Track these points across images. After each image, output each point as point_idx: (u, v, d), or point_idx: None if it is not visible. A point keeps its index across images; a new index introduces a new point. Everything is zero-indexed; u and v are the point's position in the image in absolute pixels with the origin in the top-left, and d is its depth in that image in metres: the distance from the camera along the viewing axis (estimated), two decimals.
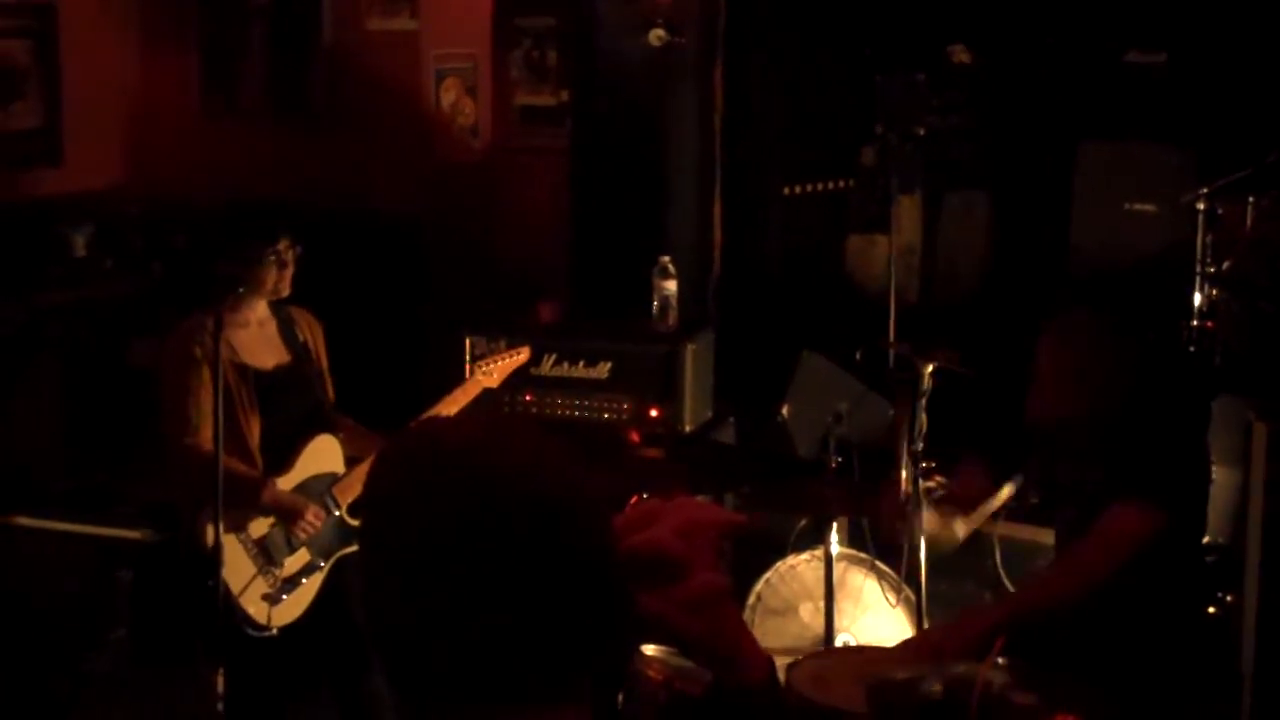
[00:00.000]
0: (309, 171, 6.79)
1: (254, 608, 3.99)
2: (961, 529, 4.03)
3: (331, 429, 4.24)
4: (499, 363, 4.54)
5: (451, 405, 4.31)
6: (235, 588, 3.97)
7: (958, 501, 4.03)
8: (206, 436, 3.89)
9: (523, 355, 4.63)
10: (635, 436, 5.17)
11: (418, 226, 6.76)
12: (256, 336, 4.13)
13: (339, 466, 4.22)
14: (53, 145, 6.80)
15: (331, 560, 4.16)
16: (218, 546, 3.76)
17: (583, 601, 1.39)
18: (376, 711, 4.15)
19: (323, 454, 4.18)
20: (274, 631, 4.03)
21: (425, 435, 1.48)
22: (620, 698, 2.52)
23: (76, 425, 6.11)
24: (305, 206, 6.30)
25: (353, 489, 4.14)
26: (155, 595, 4.93)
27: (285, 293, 4.14)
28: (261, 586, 4.01)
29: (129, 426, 5.78)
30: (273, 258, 4.05)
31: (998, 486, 3.93)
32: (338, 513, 4.16)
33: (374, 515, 1.44)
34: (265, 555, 4.05)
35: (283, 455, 4.10)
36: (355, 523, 4.08)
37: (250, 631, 3.99)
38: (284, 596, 4.04)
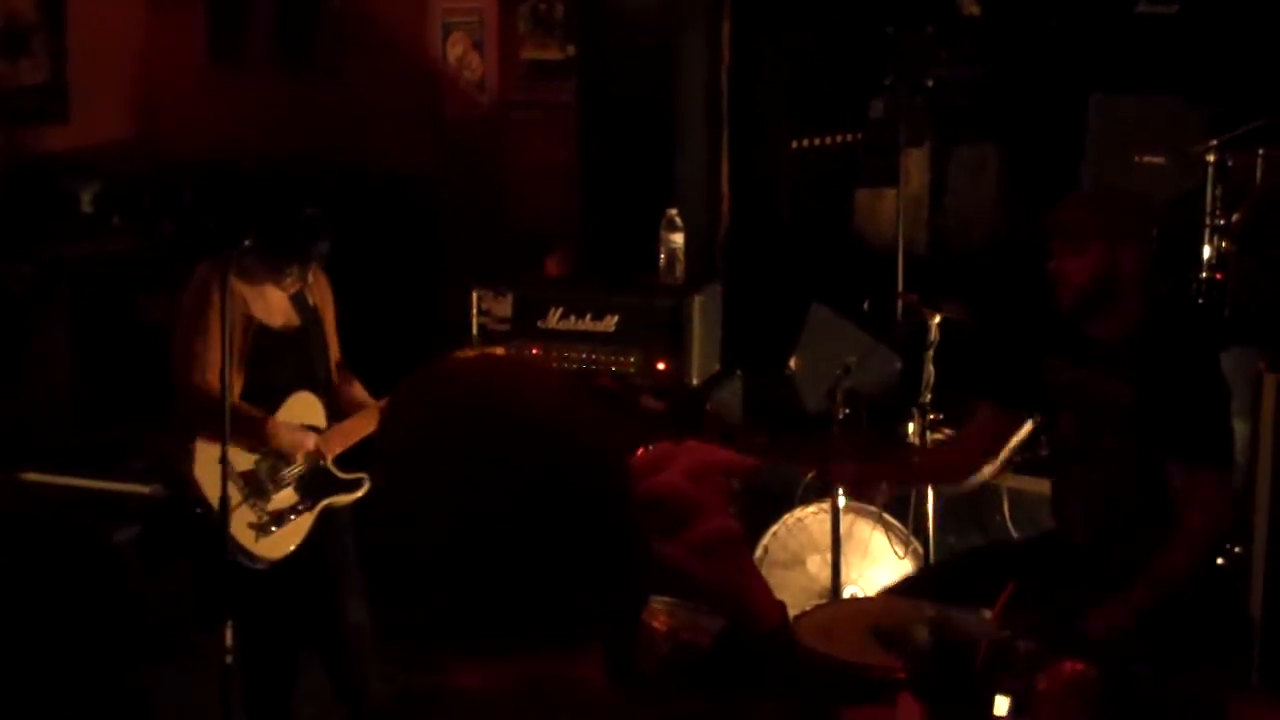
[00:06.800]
0: (315, 126, 6.77)
1: (242, 536, 4.03)
2: (988, 469, 4.05)
3: (320, 390, 4.25)
4: None
5: None
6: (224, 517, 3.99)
7: (973, 444, 4.05)
8: (213, 379, 3.92)
9: None
10: (651, 402, 5.15)
11: (425, 181, 6.74)
12: (269, 293, 4.14)
13: (320, 422, 4.24)
14: (59, 101, 6.77)
15: (320, 505, 4.20)
16: (224, 499, 3.81)
17: (598, 545, 1.37)
18: (356, 648, 4.20)
19: (304, 408, 4.20)
20: (265, 564, 4.07)
21: (443, 374, 1.46)
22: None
23: (85, 381, 6.11)
24: (312, 161, 6.31)
25: (335, 444, 4.18)
26: (164, 550, 4.94)
27: (289, 292, 4.15)
28: (248, 515, 4.05)
29: (138, 382, 5.79)
30: (290, 272, 4.07)
31: (1016, 425, 3.95)
32: (323, 463, 4.19)
33: (388, 451, 1.41)
34: (251, 487, 4.08)
35: (267, 406, 4.12)
36: (342, 475, 4.19)
37: (244, 561, 4.02)
38: (273, 529, 4.09)
